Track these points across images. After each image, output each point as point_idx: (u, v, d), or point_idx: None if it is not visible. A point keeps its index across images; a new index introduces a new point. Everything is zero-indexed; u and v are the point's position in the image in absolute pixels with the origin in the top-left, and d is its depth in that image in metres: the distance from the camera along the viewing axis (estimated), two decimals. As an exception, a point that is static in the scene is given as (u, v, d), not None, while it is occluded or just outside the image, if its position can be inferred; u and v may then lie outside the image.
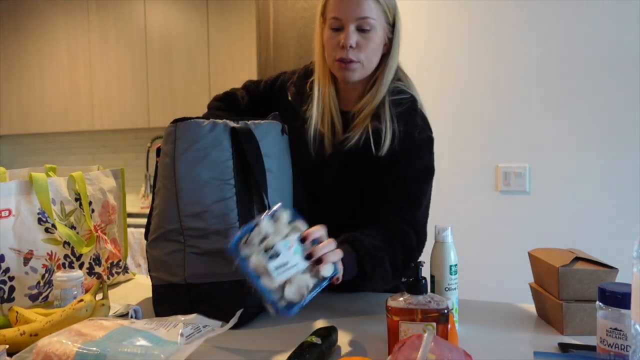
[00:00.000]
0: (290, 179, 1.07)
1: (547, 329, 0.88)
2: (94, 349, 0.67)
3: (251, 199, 0.94)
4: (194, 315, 0.80)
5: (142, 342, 0.69)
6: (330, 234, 1.04)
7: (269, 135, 1.00)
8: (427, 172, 1.09)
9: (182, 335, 0.71)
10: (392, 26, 1.09)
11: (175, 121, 0.94)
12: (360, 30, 1.03)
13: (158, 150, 1.00)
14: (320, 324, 0.93)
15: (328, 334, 0.78)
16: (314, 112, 1.13)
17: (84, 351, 0.67)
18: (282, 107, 1.20)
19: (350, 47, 1.03)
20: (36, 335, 0.81)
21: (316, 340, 0.74)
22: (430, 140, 1.11)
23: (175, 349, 0.68)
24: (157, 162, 1.01)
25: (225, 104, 1.26)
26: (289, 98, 1.20)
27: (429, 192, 1.10)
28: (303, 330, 0.88)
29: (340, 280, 0.89)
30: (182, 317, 0.79)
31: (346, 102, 1.17)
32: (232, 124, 0.94)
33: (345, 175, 1.11)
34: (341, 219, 1.06)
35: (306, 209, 1.11)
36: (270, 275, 0.75)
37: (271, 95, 1.26)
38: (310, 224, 1.09)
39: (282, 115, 1.15)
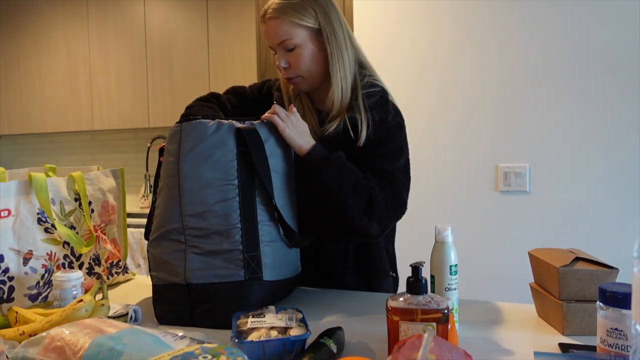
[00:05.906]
0: (294, 178, 1.07)
1: (547, 329, 0.88)
2: (110, 342, 0.65)
3: (254, 199, 0.94)
4: (197, 333, 0.79)
5: (155, 345, 0.68)
6: (311, 231, 1.07)
7: (274, 136, 1.00)
8: (398, 150, 1.14)
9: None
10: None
11: (181, 121, 0.95)
12: (288, 50, 1.12)
13: (161, 150, 1.00)
14: (322, 324, 0.93)
15: (337, 335, 0.77)
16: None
17: (99, 343, 0.65)
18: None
19: (285, 68, 1.13)
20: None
21: (333, 347, 0.73)
22: (400, 126, 1.16)
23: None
24: (160, 161, 1.01)
25: (213, 104, 1.24)
26: (274, 103, 1.22)
27: (405, 166, 1.15)
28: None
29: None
30: (181, 333, 0.78)
31: (318, 101, 1.23)
32: (238, 124, 0.95)
33: None
34: (325, 217, 1.09)
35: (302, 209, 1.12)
36: None
37: (260, 99, 1.30)
38: (299, 222, 1.10)
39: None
